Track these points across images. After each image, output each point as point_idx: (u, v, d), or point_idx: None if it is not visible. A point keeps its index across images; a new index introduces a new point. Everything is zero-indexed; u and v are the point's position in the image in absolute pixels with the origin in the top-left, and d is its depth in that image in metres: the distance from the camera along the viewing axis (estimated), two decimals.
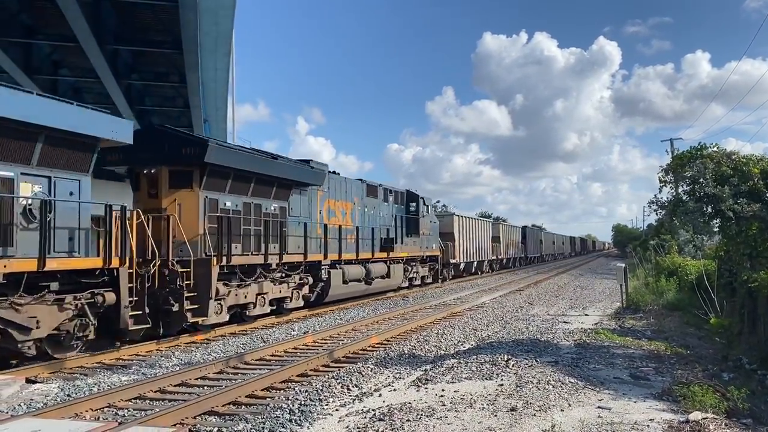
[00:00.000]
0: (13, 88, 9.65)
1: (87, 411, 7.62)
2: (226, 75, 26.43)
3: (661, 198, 14.37)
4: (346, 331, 14.44)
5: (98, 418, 7.43)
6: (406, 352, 11.66)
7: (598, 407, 7.36)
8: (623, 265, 22.08)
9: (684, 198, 13.17)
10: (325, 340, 13.29)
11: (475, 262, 38.29)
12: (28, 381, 9.34)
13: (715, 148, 13.44)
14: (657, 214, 15.61)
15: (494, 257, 43.46)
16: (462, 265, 35.00)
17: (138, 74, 26.64)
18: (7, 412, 7.60)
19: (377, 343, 12.63)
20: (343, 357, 11.17)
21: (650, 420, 6.79)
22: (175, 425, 6.78)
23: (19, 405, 8.13)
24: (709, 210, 12.52)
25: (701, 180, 12.54)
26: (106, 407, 7.88)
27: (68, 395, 8.59)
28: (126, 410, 7.80)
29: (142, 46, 23.16)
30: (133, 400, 8.28)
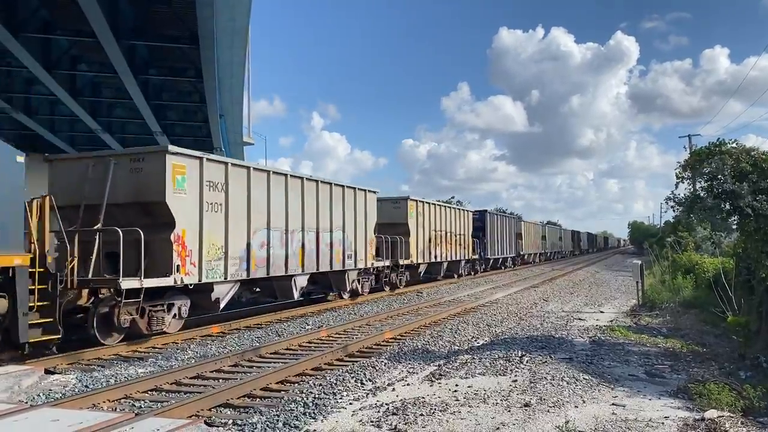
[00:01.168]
0: None
1: (104, 402, 7.73)
2: (242, 70, 26.54)
3: (679, 194, 14.25)
4: (360, 326, 14.48)
5: (115, 408, 7.53)
6: (419, 347, 11.68)
7: (613, 404, 7.33)
8: (639, 262, 21.89)
9: (702, 194, 13.04)
10: (339, 334, 13.34)
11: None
12: (47, 372, 9.48)
13: (734, 144, 13.29)
14: (674, 210, 15.51)
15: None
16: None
17: (155, 69, 26.81)
18: (26, 402, 7.73)
19: (391, 338, 12.65)
20: (356, 351, 11.21)
21: (665, 417, 6.75)
22: (190, 417, 6.85)
23: (38, 395, 8.27)
24: (728, 207, 12.39)
25: (719, 176, 12.41)
26: (123, 398, 7.98)
27: (86, 386, 8.72)
28: (142, 401, 7.89)
29: (159, 42, 23.29)
30: (149, 392, 8.38)
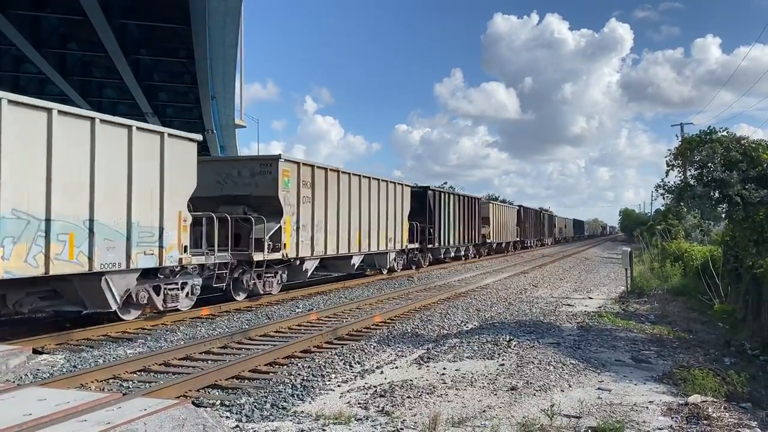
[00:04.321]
0: None
1: (92, 382, 7.74)
2: (235, 52, 26.28)
3: (669, 182, 14.28)
4: (350, 310, 14.51)
5: (103, 389, 7.54)
6: (409, 331, 11.73)
7: (598, 389, 7.40)
8: (629, 249, 22.02)
9: (692, 182, 13.06)
10: (329, 317, 13.37)
11: None
12: (35, 351, 9.47)
13: (724, 133, 13.31)
14: (664, 198, 15.51)
15: None
16: None
17: (146, 49, 26.54)
18: (14, 382, 7.72)
19: (380, 322, 12.70)
20: (346, 335, 11.24)
21: (650, 402, 6.83)
22: (178, 397, 6.86)
23: (26, 375, 8.26)
24: (717, 195, 12.41)
25: (710, 164, 12.42)
26: (111, 378, 7.99)
27: (74, 366, 8.71)
28: (131, 382, 7.91)
29: (151, 21, 23.04)
30: (137, 373, 8.39)
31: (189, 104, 34.29)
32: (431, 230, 27.98)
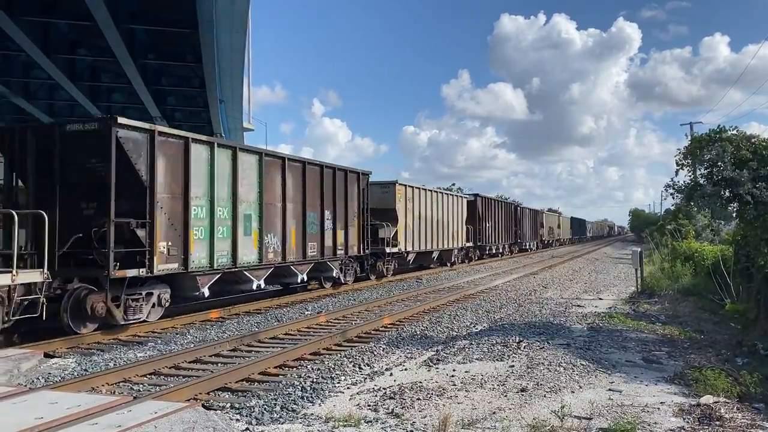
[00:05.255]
0: None
1: (103, 385, 7.77)
2: (242, 55, 26.32)
3: (678, 182, 14.21)
4: (359, 312, 14.51)
5: (114, 392, 7.56)
6: (418, 332, 11.71)
7: (609, 389, 7.36)
8: (639, 249, 21.90)
9: (702, 182, 13.00)
10: (338, 319, 13.37)
11: None
12: (47, 355, 9.52)
13: (734, 132, 13.24)
14: (674, 198, 15.45)
15: None
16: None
17: (154, 54, 26.62)
18: (25, 385, 7.77)
19: (390, 324, 12.69)
20: (355, 336, 11.24)
21: (661, 403, 6.78)
22: (188, 400, 6.89)
23: (37, 378, 8.31)
24: (727, 194, 12.36)
25: (719, 163, 12.36)
26: (122, 382, 8.02)
27: (85, 370, 8.75)
28: (141, 385, 7.93)
29: (158, 26, 23.12)
30: (148, 376, 8.42)
31: (197, 108, 34.36)
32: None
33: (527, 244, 50.63)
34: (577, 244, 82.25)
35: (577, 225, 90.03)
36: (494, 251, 39.47)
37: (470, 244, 33.47)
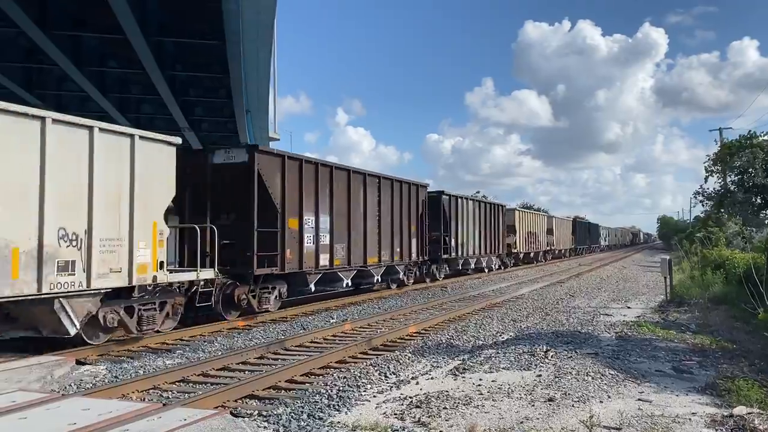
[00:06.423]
0: None
1: (133, 392, 7.88)
2: (268, 66, 26.61)
3: (708, 189, 13.98)
4: (384, 320, 14.52)
5: (144, 399, 7.67)
6: (443, 341, 11.68)
7: (639, 399, 7.26)
8: (668, 257, 21.57)
9: (732, 188, 12.77)
10: (363, 328, 13.39)
11: None
12: (78, 362, 9.70)
13: (765, 137, 12.99)
14: (703, 205, 15.21)
15: None
16: None
17: (182, 65, 27.03)
18: (59, 392, 7.92)
19: (415, 332, 12.67)
20: (381, 345, 11.25)
21: (692, 413, 6.66)
22: (216, 408, 6.95)
23: (70, 385, 8.47)
24: (759, 201, 12.13)
25: (751, 170, 12.14)
26: (152, 389, 8.13)
27: (115, 377, 8.89)
28: (170, 392, 8.03)
29: (186, 38, 23.48)
30: (177, 383, 8.52)
31: (224, 118, 34.75)
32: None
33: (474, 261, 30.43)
34: (585, 255, 63.33)
35: (584, 231, 66.61)
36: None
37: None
